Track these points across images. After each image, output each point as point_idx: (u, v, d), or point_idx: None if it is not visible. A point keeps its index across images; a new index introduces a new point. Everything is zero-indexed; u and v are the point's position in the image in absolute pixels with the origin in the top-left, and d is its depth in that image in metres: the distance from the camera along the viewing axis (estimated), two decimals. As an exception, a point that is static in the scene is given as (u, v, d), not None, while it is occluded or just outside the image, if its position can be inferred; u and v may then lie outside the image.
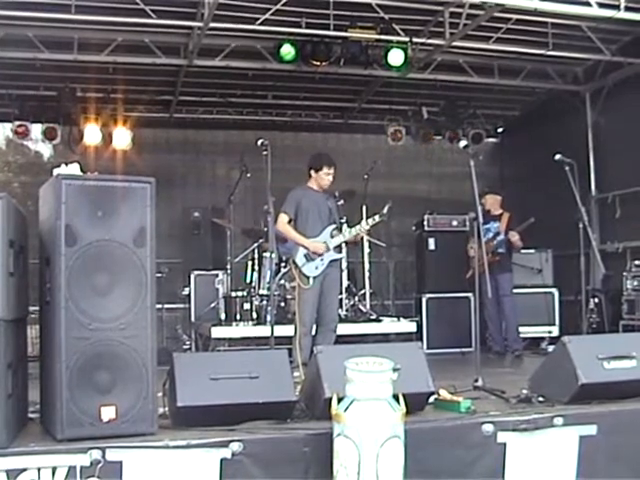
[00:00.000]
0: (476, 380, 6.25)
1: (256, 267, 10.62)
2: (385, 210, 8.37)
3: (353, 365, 4.19)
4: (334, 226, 8.21)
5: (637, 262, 10.52)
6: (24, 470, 4.04)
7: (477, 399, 5.56)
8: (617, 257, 11.44)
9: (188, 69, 11.53)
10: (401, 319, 10.97)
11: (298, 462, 4.49)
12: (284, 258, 9.91)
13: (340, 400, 4.21)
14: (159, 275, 5.48)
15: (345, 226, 8.49)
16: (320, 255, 7.97)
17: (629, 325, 10.30)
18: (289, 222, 8.04)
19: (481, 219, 7.01)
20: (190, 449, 4.30)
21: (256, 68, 11.67)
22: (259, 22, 10.05)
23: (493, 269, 9.96)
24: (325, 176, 8.08)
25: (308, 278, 7.92)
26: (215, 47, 10.99)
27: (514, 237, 10.04)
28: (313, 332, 8.03)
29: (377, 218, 8.41)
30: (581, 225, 8.15)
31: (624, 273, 10.63)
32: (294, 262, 8.03)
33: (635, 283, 10.37)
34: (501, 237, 10.14)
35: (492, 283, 9.90)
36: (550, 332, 11.33)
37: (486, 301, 9.32)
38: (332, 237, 8.11)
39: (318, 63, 10.85)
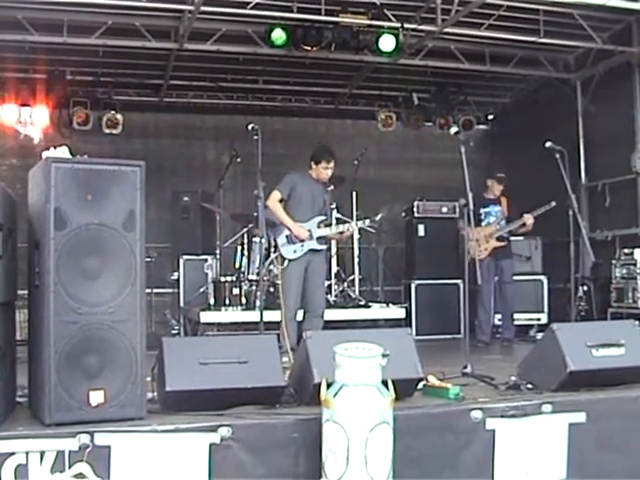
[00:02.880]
0: (465, 367, 6.27)
1: (245, 252, 10.61)
2: (377, 217, 8.48)
3: (342, 350, 4.18)
4: (323, 218, 8.26)
5: (626, 250, 10.53)
6: (12, 454, 4.03)
7: (466, 385, 5.57)
8: (606, 245, 11.45)
9: (178, 53, 11.47)
10: (390, 305, 11.00)
11: (287, 447, 4.49)
12: (273, 243, 9.92)
13: (329, 385, 4.21)
14: (148, 260, 5.44)
15: (335, 211, 8.52)
16: (302, 241, 8.03)
17: (617, 313, 10.33)
18: (280, 201, 8.10)
19: (471, 206, 6.97)
20: (179, 433, 4.30)
21: (247, 53, 11.62)
22: (250, 6, 10.02)
23: (498, 255, 9.94)
24: (323, 170, 8.18)
25: (284, 259, 8.00)
26: (206, 31, 10.93)
27: (529, 220, 9.82)
28: (300, 318, 8.09)
29: (367, 222, 8.51)
30: (571, 213, 8.15)
31: (613, 261, 10.65)
32: (275, 242, 8.10)
33: (624, 271, 10.39)
34: (504, 221, 10.05)
35: (495, 269, 9.92)
36: (539, 319, 11.35)
37: (481, 288, 9.33)
38: (319, 227, 8.16)
39: (309, 48, 10.81)
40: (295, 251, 8.06)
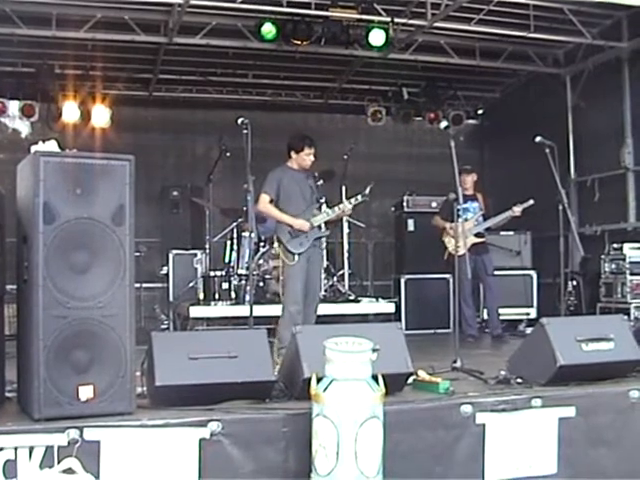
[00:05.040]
0: (455, 361, 6.28)
1: (235, 247, 10.60)
2: (367, 190, 8.37)
3: (332, 345, 4.18)
4: (317, 205, 8.21)
5: (615, 245, 10.55)
6: (0, 450, 4.01)
7: (456, 380, 5.59)
8: (595, 240, 11.48)
9: (168, 47, 11.44)
10: (380, 300, 10.99)
11: (277, 442, 4.49)
12: (263, 238, 9.91)
13: (319, 380, 4.21)
14: (137, 254, 5.43)
15: (325, 206, 8.48)
16: (305, 232, 7.94)
17: (606, 307, 10.35)
18: (270, 202, 8.01)
19: (461, 200, 7.02)
20: (168, 428, 4.29)
21: (236, 47, 11.59)
22: (240, 0, 9.98)
23: (479, 250, 9.94)
24: (306, 157, 8.04)
25: (293, 255, 7.88)
26: (195, 25, 10.89)
27: (519, 212, 9.87)
28: None
29: (359, 198, 8.41)
30: (560, 207, 8.16)
31: (602, 256, 10.67)
32: (279, 239, 7.97)
33: (613, 266, 10.41)
34: (482, 218, 10.07)
35: (476, 265, 9.92)
36: (528, 314, 11.39)
37: (462, 284, 9.33)
38: (315, 215, 8.10)
39: (299, 42, 10.78)
40: (302, 244, 7.87)
